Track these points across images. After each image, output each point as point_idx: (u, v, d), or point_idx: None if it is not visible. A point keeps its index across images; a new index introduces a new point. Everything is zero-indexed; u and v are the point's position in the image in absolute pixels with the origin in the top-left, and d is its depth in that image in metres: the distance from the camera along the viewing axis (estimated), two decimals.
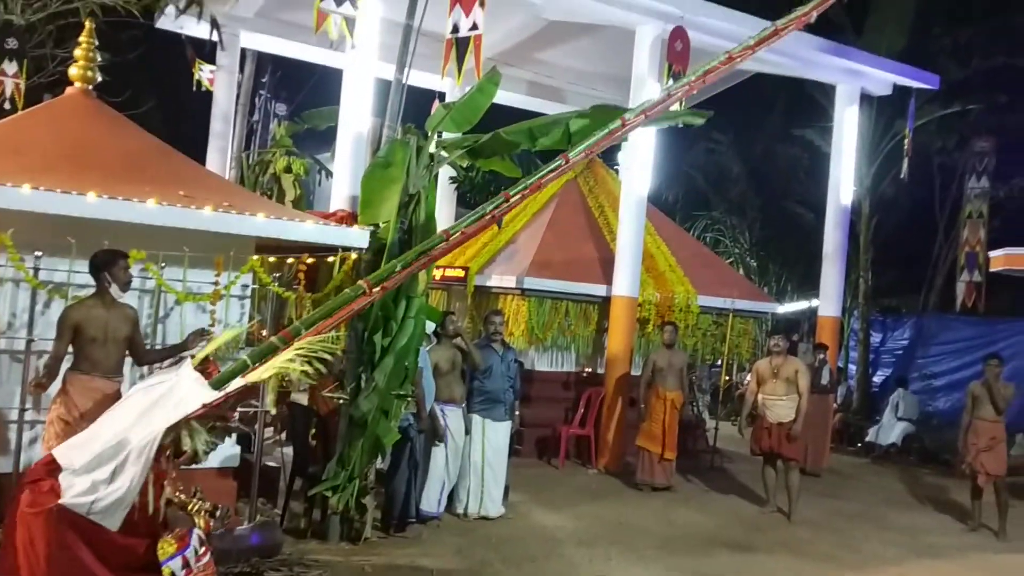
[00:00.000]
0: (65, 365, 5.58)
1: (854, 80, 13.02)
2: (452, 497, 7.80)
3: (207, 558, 4.34)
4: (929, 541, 8.41)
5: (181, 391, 4.33)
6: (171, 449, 4.26)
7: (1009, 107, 16.10)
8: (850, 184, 13.45)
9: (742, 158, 20.41)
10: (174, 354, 5.79)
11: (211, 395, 4.26)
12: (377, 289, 4.50)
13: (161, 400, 4.33)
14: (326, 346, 4.23)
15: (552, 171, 4.62)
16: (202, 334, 5.84)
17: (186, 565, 4.24)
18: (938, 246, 18.55)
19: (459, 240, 4.82)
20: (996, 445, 8.79)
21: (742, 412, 9.56)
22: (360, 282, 4.46)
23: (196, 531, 4.31)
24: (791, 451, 8.84)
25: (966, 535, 8.82)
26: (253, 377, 4.21)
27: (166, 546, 4.20)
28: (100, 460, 4.14)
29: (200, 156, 10.76)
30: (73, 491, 4.07)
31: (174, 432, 4.24)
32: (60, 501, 4.04)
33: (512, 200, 4.51)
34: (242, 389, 4.30)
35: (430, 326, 8.18)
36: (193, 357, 4.61)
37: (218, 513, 4.98)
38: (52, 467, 4.20)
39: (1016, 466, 11.33)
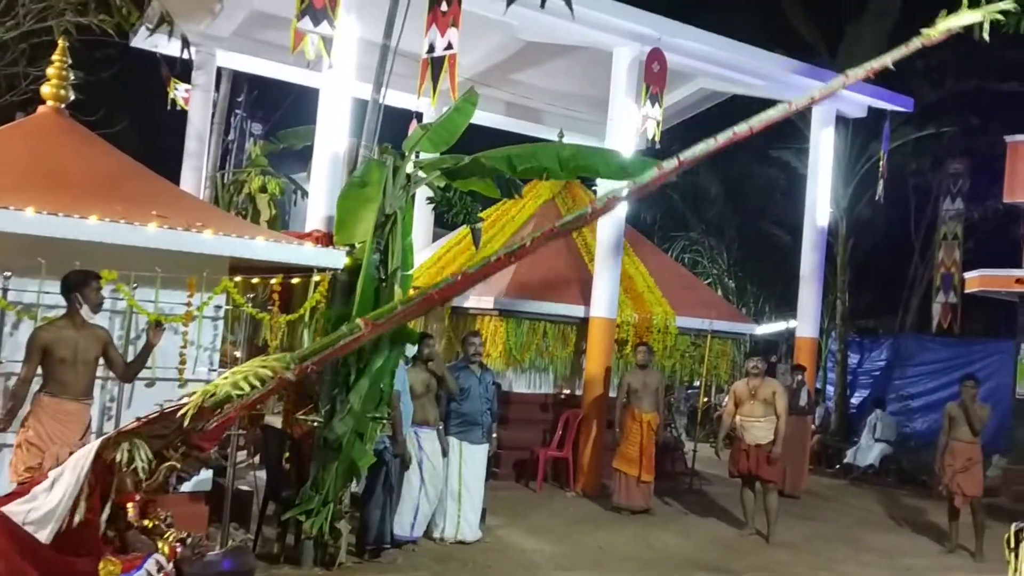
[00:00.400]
0: (34, 388, 5.47)
1: (829, 102, 13.12)
2: (430, 521, 7.70)
3: None
4: (907, 563, 8.39)
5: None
6: (119, 464, 4.16)
7: (982, 129, 16.31)
8: (826, 205, 13.54)
9: (720, 179, 20.53)
10: (146, 356, 5.86)
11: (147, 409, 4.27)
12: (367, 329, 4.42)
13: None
14: (273, 368, 4.12)
15: (573, 220, 4.67)
16: (158, 326, 5.91)
17: None
18: (914, 267, 18.70)
19: (464, 283, 4.79)
20: (972, 466, 8.81)
21: (719, 434, 9.54)
22: (358, 320, 4.39)
23: (155, 556, 4.21)
24: (769, 473, 8.81)
25: (943, 556, 8.81)
26: (190, 398, 4.13)
27: (109, 566, 4.10)
28: (51, 476, 4.08)
29: (174, 175, 10.66)
30: (14, 499, 3.99)
31: (114, 445, 4.14)
32: (2, 509, 3.97)
33: (530, 246, 4.49)
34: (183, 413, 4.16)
35: (411, 349, 8.11)
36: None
37: (189, 541, 4.87)
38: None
39: (992, 487, 11.40)
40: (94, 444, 4.12)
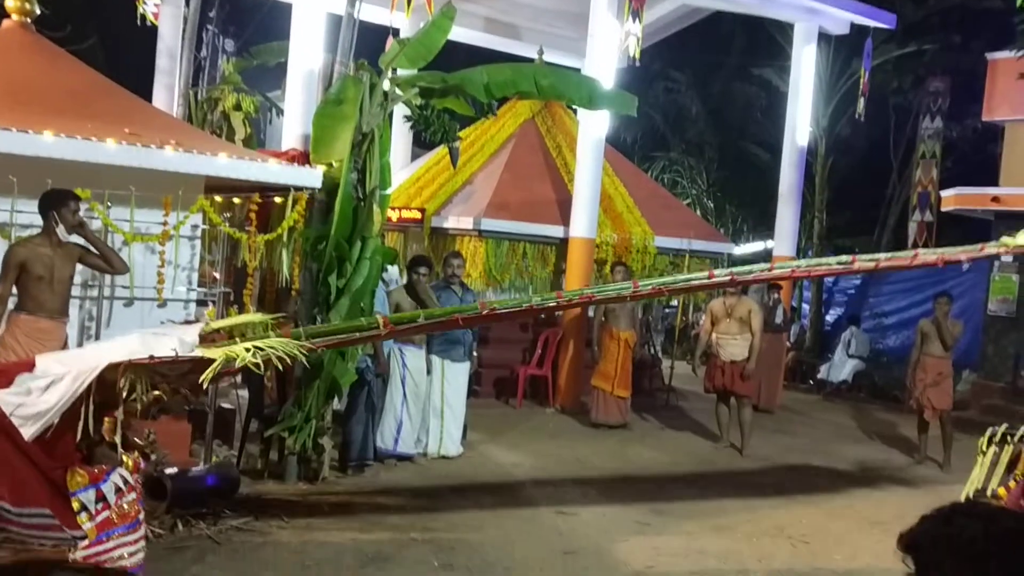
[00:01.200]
0: (9, 307, 5.45)
1: (812, 18, 12.97)
2: (413, 439, 7.82)
3: (132, 495, 4.30)
4: (877, 474, 8.64)
5: (151, 340, 4.35)
6: (118, 389, 4.21)
7: (963, 47, 16.18)
8: (807, 124, 13.49)
9: (700, 97, 20.37)
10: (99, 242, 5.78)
11: (162, 350, 4.26)
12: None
13: (126, 343, 4.32)
14: (287, 348, 4.29)
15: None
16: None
17: (101, 499, 4.19)
18: (891, 186, 18.75)
19: (488, 318, 5.62)
20: (943, 381, 9.01)
21: (696, 351, 9.69)
22: (378, 316, 4.55)
23: (119, 470, 4.27)
24: (744, 388, 8.99)
25: (913, 468, 9.07)
26: (206, 352, 4.27)
27: (77, 477, 4.15)
28: (45, 371, 4.09)
29: (146, 94, 10.43)
30: (9, 389, 4.02)
31: (121, 371, 4.17)
32: None
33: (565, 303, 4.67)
34: (196, 360, 4.33)
35: (393, 272, 8.11)
36: (208, 324, 4.62)
37: (153, 457, 4.95)
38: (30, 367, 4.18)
39: (962, 401, 11.69)
40: (102, 363, 4.12)
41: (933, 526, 1.27)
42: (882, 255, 6.46)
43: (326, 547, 5.37)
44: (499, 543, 5.72)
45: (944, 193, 13.67)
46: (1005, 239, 6.53)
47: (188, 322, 4.87)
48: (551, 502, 6.78)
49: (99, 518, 4.17)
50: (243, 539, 5.39)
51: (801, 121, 13.21)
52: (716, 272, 6.09)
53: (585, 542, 5.89)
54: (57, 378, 4.07)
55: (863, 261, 6.01)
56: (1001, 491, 5.20)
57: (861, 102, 13.35)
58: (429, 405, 7.82)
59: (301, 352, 4.51)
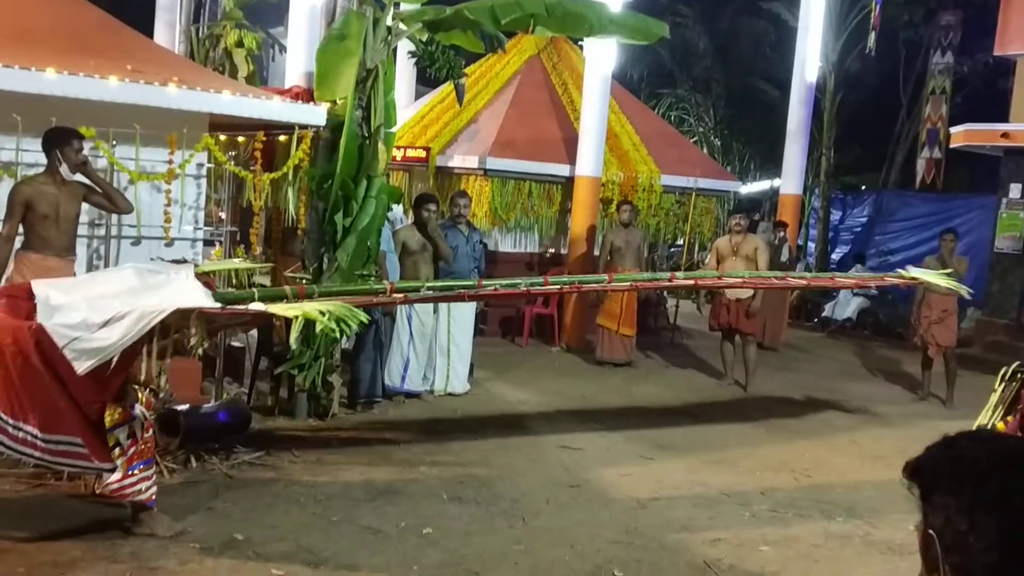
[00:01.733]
0: (16, 246, 5.48)
1: None
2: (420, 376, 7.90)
3: (149, 432, 4.43)
4: (880, 410, 8.72)
5: (183, 287, 4.42)
6: (172, 336, 4.37)
7: None
8: (816, 59, 13.32)
9: (708, 33, 20.06)
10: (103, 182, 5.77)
11: (211, 304, 4.39)
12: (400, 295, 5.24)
13: (159, 287, 4.37)
14: (355, 316, 4.48)
15: None
16: None
17: (132, 435, 4.31)
18: (900, 123, 18.58)
19: (492, 295, 5.97)
20: (947, 318, 9.03)
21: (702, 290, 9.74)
22: (385, 283, 4.64)
23: (139, 406, 4.36)
24: (749, 326, 9.03)
25: (915, 404, 9.16)
26: (280, 311, 4.56)
27: (115, 414, 4.24)
28: (94, 306, 4.11)
29: (147, 31, 10.31)
30: (58, 319, 4.06)
31: (183, 319, 4.33)
32: (43, 323, 4.02)
33: None
34: (255, 315, 4.73)
35: (398, 211, 8.11)
36: (197, 266, 4.79)
37: (161, 395, 5.06)
38: (29, 292, 4.23)
39: (966, 338, 11.73)
40: (169, 305, 4.20)
41: (937, 451, 1.30)
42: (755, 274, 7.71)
43: (337, 481, 5.47)
44: (506, 477, 5.82)
45: (953, 129, 13.52)
46: (901, 271, 7.84)
47: (175, 261, 4.93)
48: (556, 437, 6.88)
49: (129, 453, 4.29)
50: (256, 474, 5.49)
51: (811, 56, 13.04)
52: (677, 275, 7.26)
53: (590, 475, 5.99)
54: (118, 316, 4.09)
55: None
56: (1000, 425, 5.25)
57: (872, 36, 13.17)
58: (436, 343, 7.88)
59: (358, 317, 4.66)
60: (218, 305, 4.42)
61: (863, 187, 20.08)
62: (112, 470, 4.22)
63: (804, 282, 8.37)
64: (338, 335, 4.87)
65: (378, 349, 7.27)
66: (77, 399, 4.10)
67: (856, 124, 18.16)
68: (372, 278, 7.12)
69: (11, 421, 4.07)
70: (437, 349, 7.89)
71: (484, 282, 6.14)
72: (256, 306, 4.54)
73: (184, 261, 4.96)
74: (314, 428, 6.59)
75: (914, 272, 7.61)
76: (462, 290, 5.84)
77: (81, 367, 4.02)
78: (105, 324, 4.04)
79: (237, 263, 5.26)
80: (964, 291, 7.79)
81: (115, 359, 4.06)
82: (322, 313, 4.33)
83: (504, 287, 6.01)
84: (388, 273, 7.51)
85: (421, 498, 5.30)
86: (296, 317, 4.40)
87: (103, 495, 4.46)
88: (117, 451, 4.24)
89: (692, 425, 7.63)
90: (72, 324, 4.02)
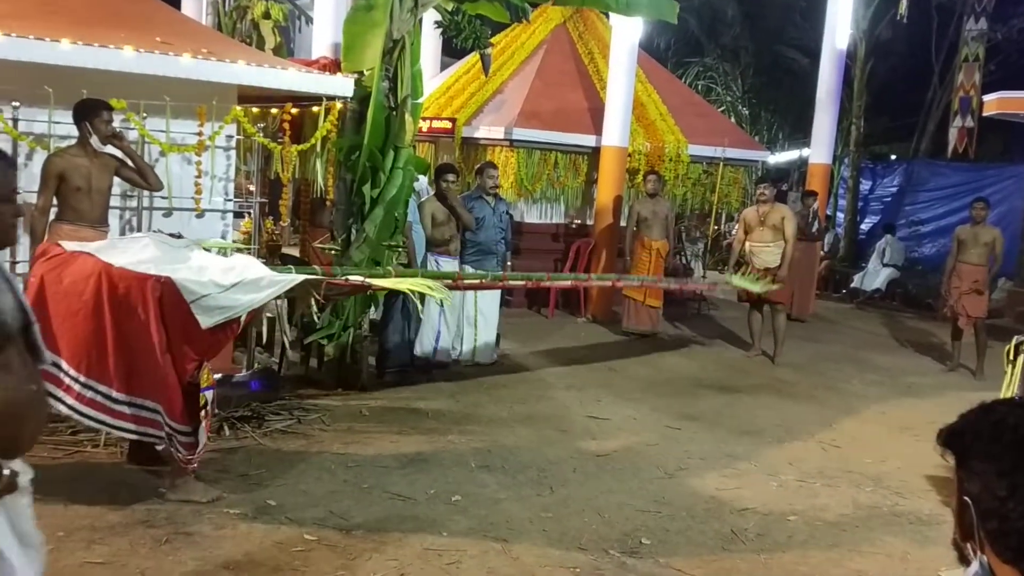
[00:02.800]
0: (50, 218, 5.56)
1: None
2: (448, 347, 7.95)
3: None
4: (909, 381, 8.68)
5: (250, 261, 4.76)
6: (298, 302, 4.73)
7: None
8: (847, 27, 13.10)
9: (737, 0, 19.77)
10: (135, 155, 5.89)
11: (302, 278, 4.79)
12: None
13: (186, 258, 4.53)
14: (442, 294, 5.58)
15: None
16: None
17: (213, 401, 4.48)
18: (932, 91, 18.26)
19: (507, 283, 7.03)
20: (978, 288, 8.94)
21: (730, 260, 9.69)
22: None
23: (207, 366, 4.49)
24: (778, 296, 8.99)
25: (945, 375, 9.10)
26: (378, 284, 5.55)
27: (207, 375, 4.36)
28: (214, 268, 4.35)
29: (174, 2, 10.34)
30: (183, 275, 4.21)
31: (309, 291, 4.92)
32: (173, 277, 4.17)
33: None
34: (353, 286, 5.49)
35: (423, 182, 8.11)
36: (202, 243, 5.09)
37: None
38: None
39: (996, 309, 11.61)
40: (293, 280, 4.59)
41: (975, 416, 1.30)
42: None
43: (367, 449, 5.54)
44: (533, 446, 5.86)
45: (986, 97, 13.24)
46: (729, 277, 8.69)
47: (172, 235, 5.07)
48: (583, 407, 6.91)
49: (209, 417, 4.46)
50: (287, 442, 5.57)
51: (841, 23, 12.83)
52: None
53: (616, 445, 6.02)
54: (247, 281, 4.32)
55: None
56: None
57: (903, 2, 12.94)
58: (463, 314, 7.91)
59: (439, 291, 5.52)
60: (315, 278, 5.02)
61: (893, 156, 19.80)
62: (188, 433, 4.32)
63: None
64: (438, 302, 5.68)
65: (406, 319, 7.31)
66: (175, 357, 4.23)
67: (887, 92, 17.87)
68: (400, 249, 7.17)
69: (81, 378, 4.17)
70: (464, 320, 7.93)
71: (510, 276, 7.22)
72: (355, 279, 5.30)
73: (180, 236, 5.06)
74: (344, 397, 6.66)
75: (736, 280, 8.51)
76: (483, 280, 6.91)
77: (207, 322, 4.20)
78: (236, 287, 4.27)
79: (229, 244, 5.85)
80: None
81: (242, 318, 4.34)
82: (430, 288, 5.09)
83: (523, 279, 7.39)
84: (414, 244, 7.54)
85: (450, 466, 5.36)
86: (411, 291, 5.22)
87: (144, 461, 4.57)
88: (203, 412, 4.34)
89: (719, 395, 7.63)
90: (202, 282, 4.19)
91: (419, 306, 6.09)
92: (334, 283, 5.31)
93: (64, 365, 4.16)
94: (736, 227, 9.92)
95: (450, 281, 6.52)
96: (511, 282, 7.44)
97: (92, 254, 4.34)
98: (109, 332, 4.15)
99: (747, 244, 9.16)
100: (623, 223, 10.74)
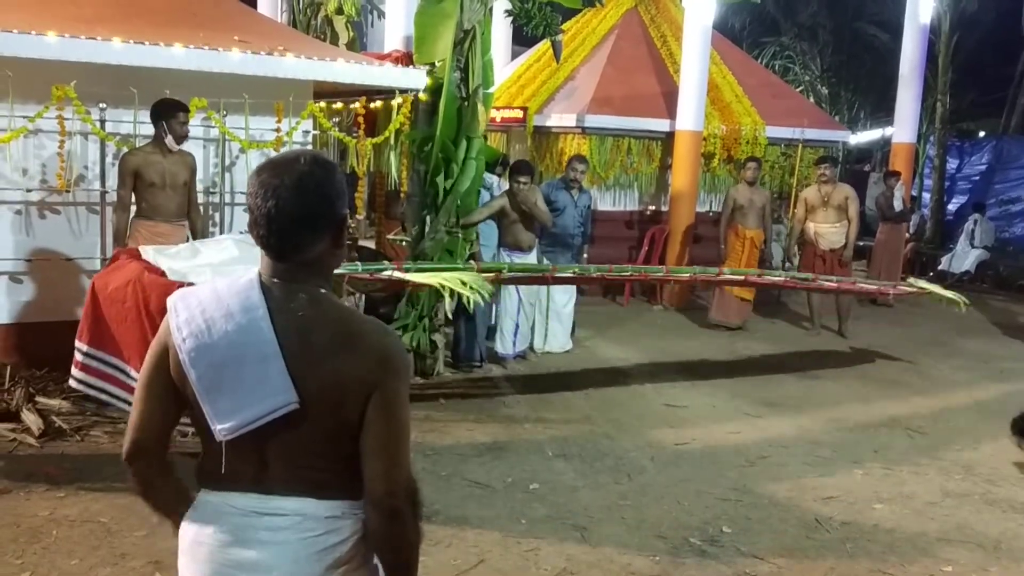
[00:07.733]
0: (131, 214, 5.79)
1: None
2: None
3: None
4: (1000, 366, 8.38)
5: (244, 247, 4.92)
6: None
7: None
8: None
9: None
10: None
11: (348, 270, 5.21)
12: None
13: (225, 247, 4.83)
14: (483, 287, 5.60)
15: None
16: None
17: None
18: (1021, 64, 17.51)
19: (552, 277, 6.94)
20: None
21: (791, 241, 9.62)
22: (472, 262, 6.35)
23: None
24: (843, 275, 8.79)
25: None
26: (416, 279, 5.64)
27: None
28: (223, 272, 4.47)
29: (250, 0, 10.56)
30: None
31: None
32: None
33: None
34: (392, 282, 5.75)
35: (491, 178, 8.06)
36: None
37: None
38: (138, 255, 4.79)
39: None
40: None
41: None
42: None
43: (444, 438, 5.60)
44: (610, 434, 5.84)
45: None
46: (912, 279, 8.53)
47: (242, 233, 5.31)
48: (659, 395, 6.85)
49: None
50: None
51: None
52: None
53: (696, 433, 5.95)
54: None
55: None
56: None
57: None
58: (539, 304, 7.90)
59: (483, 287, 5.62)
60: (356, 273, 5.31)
61: (981, 133, 19.06)
62: None
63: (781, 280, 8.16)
64: (480, 300, 5.64)
65: (479, 310, 7.33)
66: None
67: (973, 67, 17.19)
68: (474, 239, 7.21)
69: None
70: (538, 308, 7.92)
71: (560, 268, 7.07)
72: (397, 275, 5.45)
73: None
74: (420, 387, 6.73)
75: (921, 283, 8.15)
76: (547, 273, 6.86)
77: None
78: None
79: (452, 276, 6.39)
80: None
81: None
82: (463, 283, 5.12)
83: (579, 273, 7.25)
84: (482, 236, 7.56)
85: (527, 454, 5.38)
86: (443, 286, 5.30)
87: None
88: None
89: (799, 381, 7.48)
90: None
91: (480, 299, 5.91)
92: (358, 278, 5.47)
93: (129, 369, 4.31)
94: (798, 208, 9.65)
95: (511, 275, 6.64)
96: (618, 275, 7.60)
97: (142, 259, 4.50)
98: (151, 337, 4.25)
99: (810, 225, 9.03)
100: (699, 208, 10.57)
